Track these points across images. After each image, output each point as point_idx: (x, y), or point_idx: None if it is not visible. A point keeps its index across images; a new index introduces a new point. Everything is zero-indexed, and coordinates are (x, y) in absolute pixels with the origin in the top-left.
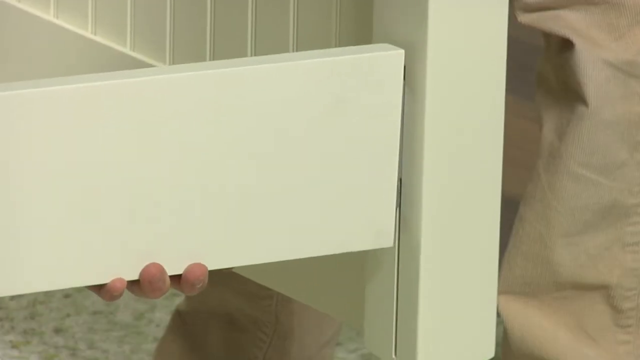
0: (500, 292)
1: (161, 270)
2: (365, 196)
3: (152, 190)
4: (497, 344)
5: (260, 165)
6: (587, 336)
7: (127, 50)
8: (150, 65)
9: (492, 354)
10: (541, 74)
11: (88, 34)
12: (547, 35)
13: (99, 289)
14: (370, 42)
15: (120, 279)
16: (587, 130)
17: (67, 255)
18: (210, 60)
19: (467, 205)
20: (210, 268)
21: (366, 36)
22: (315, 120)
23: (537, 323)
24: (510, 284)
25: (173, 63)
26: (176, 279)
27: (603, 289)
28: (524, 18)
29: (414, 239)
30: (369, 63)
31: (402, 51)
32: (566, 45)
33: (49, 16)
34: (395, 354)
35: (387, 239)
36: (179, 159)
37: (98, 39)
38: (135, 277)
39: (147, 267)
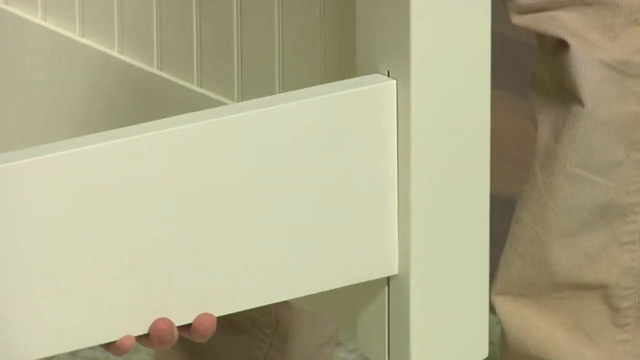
0: (497, 293)
1: (170, 325)
2: (368, 227)
3: (155, 245)
4: (496, 345)
5: (263, 208)
6: (585, 336)
7: (115, 53)
8: (138, 68)
9: (485, 354)
10: (535, 75)
11: (76, 37)
12: (541, 36)
13: (107, 344)
14: (354, 57)
15: (129, 337)
16: (583, 131)
17: (75, 318)
18: (197, 63)
19: (457, 206)
20: (220, 314)
21: (351, 48)
22: (314, 157)
23: (534, 324)
24: (508, 285)
25: (160, 65)
26: (185, 326)
27: (601, 289)
28: (518, 20)
29: (405, 242)
30: (362, 97)
31: (394, 82)
32: (561, 46)
33: (37, 19)
34: (389, 357)
35: (392, 267)
36: (180, 211)
37: (86, 41)
38: (144, 331)
39: (156, 322)
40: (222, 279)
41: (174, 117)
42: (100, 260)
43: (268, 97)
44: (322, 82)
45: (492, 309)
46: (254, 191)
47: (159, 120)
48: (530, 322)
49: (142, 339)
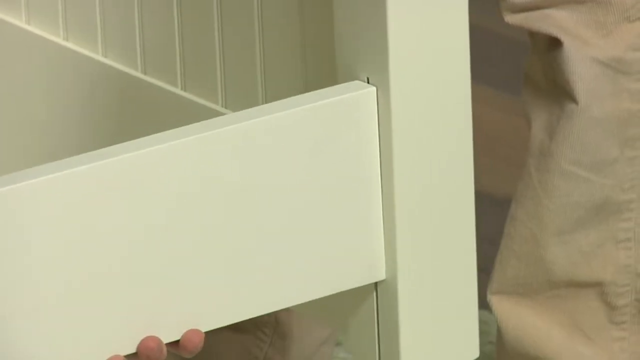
0: (493, 292)
1: (158, 342)
2: (354, 234)
3: (142, 264)
4: (493, 344)
5: (249, 221)
6: (582, 334)
7: (99, 56)
8: (122, 72)
9: (476, 354)
10: (528, 73)
11: (59, 40)
12: (534, 35)
13: None
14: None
15: (118, 356)
16: (578, 128)
17: (62, 339)
18: (181, 66)
19: (441, 209)
20: (208, 329)
21: (331, 48)
22: (298, 167)
23: (531, 323)
24: (504, 284)
25: (145, 70)
26: (174, 342)
27: (597, 286)
28: (511, 18)
29: (390, 247)
30: (343, 105)
31: (374, 88)
32: (554, 43)
33: (21, 22)
34: None
35: (379, 272)
36: (166, 228)
37: (69, 44)
38: (132, 350)
39: (145, 341)
40: (211, 293)
41: (159, 134)
42: (87, 282)
43: (249, 110)
44: (304, 82)
45: (491, 309)
46: (239, 204)
47: (145, 138)
48: (526, 321)
49: (131, 356)
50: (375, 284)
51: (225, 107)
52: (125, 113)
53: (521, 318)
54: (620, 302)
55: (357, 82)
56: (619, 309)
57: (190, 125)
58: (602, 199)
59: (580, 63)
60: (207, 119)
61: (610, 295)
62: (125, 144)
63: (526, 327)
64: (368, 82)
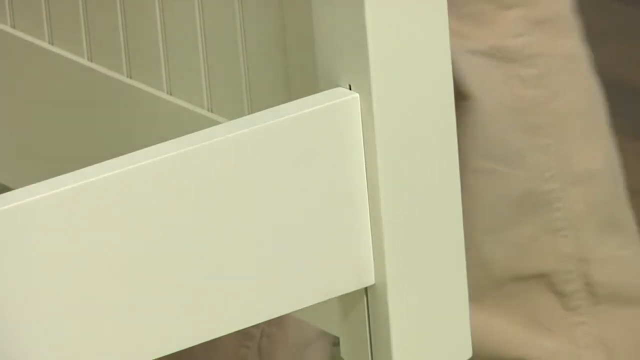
0: None
1: None
2: (343, 240)
3: (136, 279)
4: None
5: (237, 230)
6: (540, 327)
7: (84, 60)
8: (107, 76)
9: (469, 354)
10: None
11: (45, 44)
12: None
13: None
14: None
15: None
16: (478, 122)
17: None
18: (166, 70)
19: (428, 212)
20: (200, 342)
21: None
22: (282, 178)
23: (487, 326)
24: None
25: (130, 74)
26: None
27: (543, 277)
28: None
29: (379, 252)
30: (326, 113)
31: (357, 95)
32: None
33: (6, 27)
34: None
35: (368, 277)
36: (151, 247)
37: (55, 49)
38: (129, 355)
39: None
40: (202, 309)
41: (137, 152)
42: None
43: (237, 121)
44: (288, 84)
45: None
46: (224, 218)
47: (139, 151)
48: (482, 325)
49: None
50: (365, 289)
51: (211, 111)
52: (110, 117)
53: (477, 323)
54: (568, 289)
55: (339, 89)
56: (569, 295)
57: (180, 138)
58: (522, 191)
59: (461, 58)
60: (192, 122)
61: (557, 284)
62: (120, 158)
63: (484, 331)
64: (350, 89)
